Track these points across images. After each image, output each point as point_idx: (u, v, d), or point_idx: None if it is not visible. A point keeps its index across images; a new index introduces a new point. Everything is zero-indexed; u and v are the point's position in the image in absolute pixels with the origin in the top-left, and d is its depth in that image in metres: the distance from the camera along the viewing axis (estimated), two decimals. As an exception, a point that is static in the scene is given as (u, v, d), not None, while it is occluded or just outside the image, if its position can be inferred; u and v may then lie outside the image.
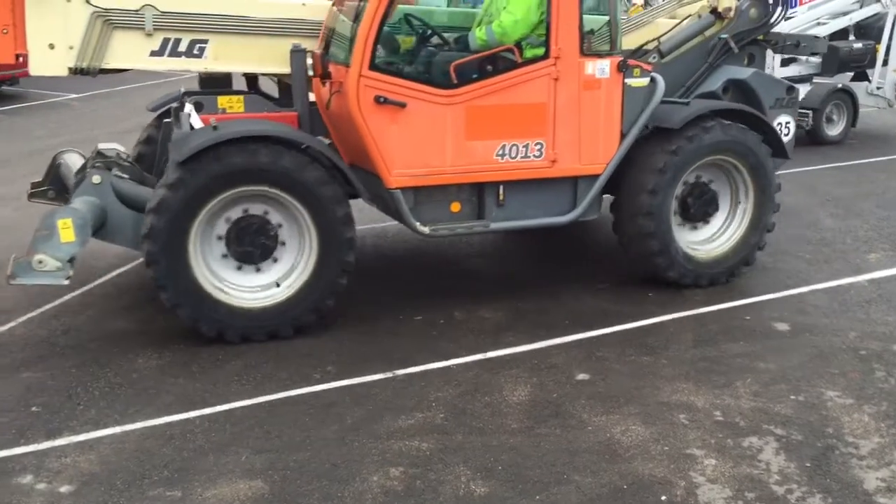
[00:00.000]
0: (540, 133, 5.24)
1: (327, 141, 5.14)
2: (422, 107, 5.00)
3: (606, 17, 5.68)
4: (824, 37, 7.87)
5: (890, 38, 10.49)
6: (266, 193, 4.83)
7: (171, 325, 5.10)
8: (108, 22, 5.11)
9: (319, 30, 5.49)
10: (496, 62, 5.24)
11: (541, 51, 5.18)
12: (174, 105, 5.63)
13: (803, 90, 10.58)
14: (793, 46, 6.63)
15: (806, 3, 10.95)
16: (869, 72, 10.86)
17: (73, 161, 5.66)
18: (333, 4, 5.51)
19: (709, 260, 5.80)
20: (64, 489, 3.52)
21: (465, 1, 6.62)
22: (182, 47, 5.29)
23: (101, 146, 5.53)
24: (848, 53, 10.47)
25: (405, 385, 4.48)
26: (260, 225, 4.90)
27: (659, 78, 5.54)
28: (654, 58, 6.12)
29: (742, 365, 4.67)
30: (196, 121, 4.95)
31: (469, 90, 5.08)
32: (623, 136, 5.46)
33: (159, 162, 5.72)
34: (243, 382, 4.49)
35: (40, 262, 4.52)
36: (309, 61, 5.10)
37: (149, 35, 5.19)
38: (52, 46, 5.05)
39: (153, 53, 5.25)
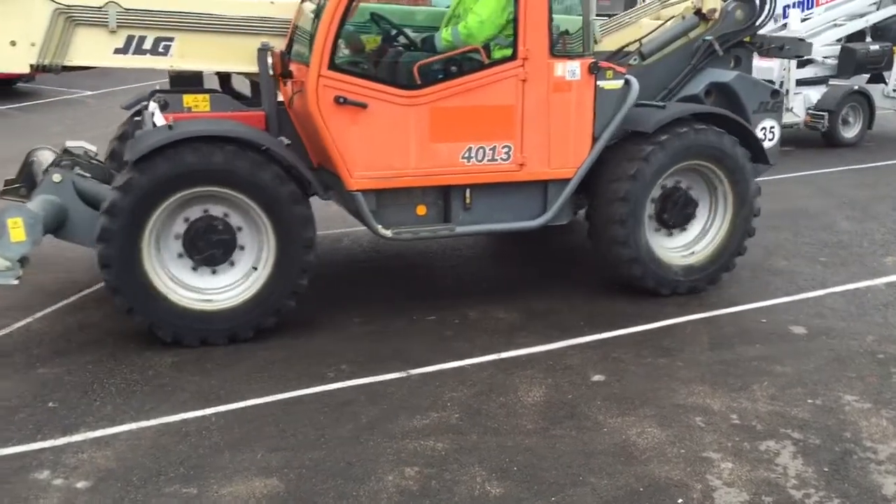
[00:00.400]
0: (507, 136, 5.12)
1: (287, 141, 5.01)
2: (383, 108, 4.89)
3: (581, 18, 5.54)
4: (809, 41, 7.70)
5: (906, 40, 10.45)
6: (223, 195, 4.72)
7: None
8: (71, 19, 5.05)
9: (288, 28, 5.42)
10: (461, 63, 5.13)
11: (509, 51, 5.05)
12: (144, 103, 5.58)
13: (819, 92, 10.54)
14: (777, 49, 6.47)
15: (823, 4, 10.89)
16: (885, 74, 10.81)
17: (46, 158, 5.58)
18: (302, 2, 5.41)
19: (687, 267, 5.66)
20: (80, 485, 3.53)
21: None
22: (147, 45, 5.22)
23: (69, 144, 5.48)
24: (864, 55, 10.41)
25: (420, 384, 4.48)
26: (218, 227, 4.79)
27: (633, 80, 5.40)
28: (636, 59, 5.98)
29: (758, 368, 4.65)
30: (159, 119, 4.88)
31: (433, 91, 4.97)
32: (595, 139, 5.32)
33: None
34: (258, 380, 4.50)
35: None
36: (270, 60, 4.99)
37: (112, 32, 5.13)
38: (13, 43, 4.99)
39: (117, 51, 5.19)
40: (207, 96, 5.27)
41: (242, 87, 6.04)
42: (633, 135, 5.47)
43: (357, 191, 4.97)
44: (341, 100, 4.78)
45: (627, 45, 6.13)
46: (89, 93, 13.98)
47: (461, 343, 4.98)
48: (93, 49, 5.15)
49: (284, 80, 5.14)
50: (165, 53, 5.26)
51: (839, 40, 10.86)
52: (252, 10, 5.39)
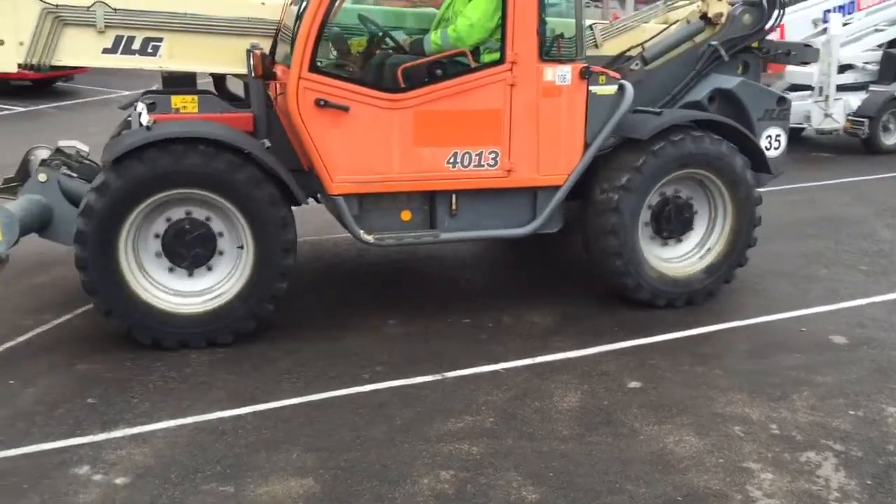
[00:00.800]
0: (494, 141, 5.02)
1: (267, 144, 4.92)
2: (366, 111, 4.81)
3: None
4: (816, 47, 7.52)
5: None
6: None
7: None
8: (59, 18, 5.05)
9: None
10: (447, 66, 5.04)
11: (497, 55, 4.97)
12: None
13: (859, 98, 10.38)
14: (783, 55, 6.31)
15: (864, 9, 10.73)
16: (928, 80, 10.60)
17: (41, 157, 5.55)
18: (291, 3, 5.35)
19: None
20: (119, 481, 3.57)
21: None
22: (136, 45, 5.20)
23: (62, 143, 5.48)
24: None
25: (454, 388, 4.47)
26: (197, 230, 4.75)
27: (628, 86, 5.29)
28: (637, 64, 5.86)
29: (798, 378, 4.57)
30: (145, 120, 4.83)
31: (417, 95, 4.88)
32: (587, 145, 5.21)
33: None
34: (293, 380, 4.51)
35: None
36: (251, 61, 4.95)
37: (101, 32, 5.12)
38: (1, 42, 5.00)
39: (106, 51, 5.18)
40: (196, 97, 5.21)
41: (238, 88, 6.02)
42: (628, 142, 5.36)
43: (338, 195, 4.90)
44: (322, 102, 4.71)
45: (629, 50, 6.01)
46: (126, 92, 14.12)
47: (495, 346, 4.96)
48: (81, 49, 5.14)
49: (265, 83, 5.09)
50: (154, 54, 5.24)
51: (880, 45, 10.69)
52: (242, 10, 5.35)
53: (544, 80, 5.01)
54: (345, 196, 4.92)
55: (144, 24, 5.17)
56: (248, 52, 5.00)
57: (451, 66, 5.04)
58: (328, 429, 4.03)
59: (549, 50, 5.10)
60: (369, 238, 5.02)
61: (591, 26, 6.14)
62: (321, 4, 4.67)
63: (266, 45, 5.20)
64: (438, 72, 4.99)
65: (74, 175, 5.07)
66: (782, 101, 6.00)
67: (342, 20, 5.56)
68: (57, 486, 3.51)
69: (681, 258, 5.63)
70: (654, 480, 3.61)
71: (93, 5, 5.07)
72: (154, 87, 5.73)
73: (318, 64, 4.76)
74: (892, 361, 4.77)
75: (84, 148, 5.55)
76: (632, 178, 5.24)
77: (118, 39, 5.17)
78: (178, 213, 4.74)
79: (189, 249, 4.76)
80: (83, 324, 5.17)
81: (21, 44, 5.00)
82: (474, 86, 4.94)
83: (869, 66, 10.50)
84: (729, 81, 5.86)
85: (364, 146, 4.86)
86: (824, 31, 10.11)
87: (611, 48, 6.12)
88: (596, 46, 6.16)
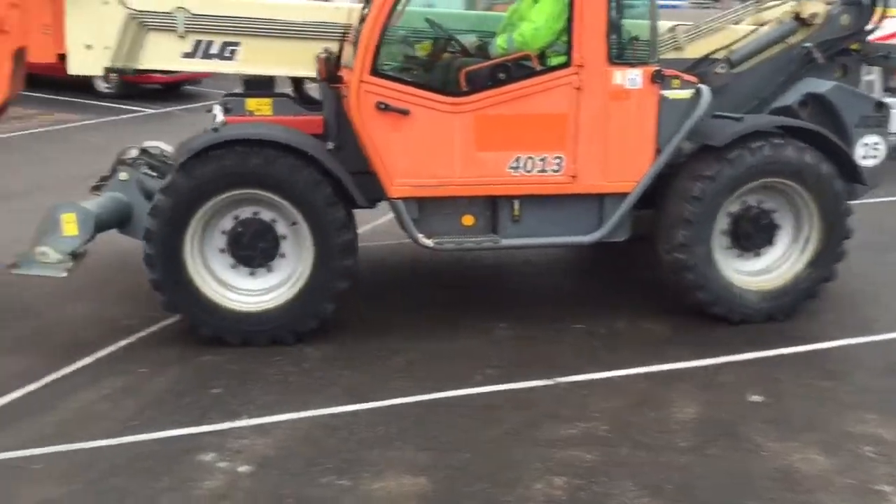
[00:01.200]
0: (559, 146, 4.89)
1: (330, 146, 4.97)
2: (427, 115, 4.78)
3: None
4: None
5: None
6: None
7: (340, 317, 5.26)
8: (143, 24, 5.19)
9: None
10: (511, 70, 4.95)
11: (565, 58, 4.85)
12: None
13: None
14: (882, 58, 5.84)
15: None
16: None
17: (130, 156, 5.75)
18: (363, 8, 5.29)
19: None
20: (243, 469, 3.70)
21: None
22: (214, 49, 5.31)
23: (147, 143, 5.66)
24: None
25: (567, 393, 4.42)
26: (261, 230, 4.84)
27: (705, 90, 5.05)
28: (723, 67, 5.54)
29: (936, 398, 4.32)
30: (217, 123, 4.98)
31: (479, 98, 4.81)
32: (658, 152, 5.00)
33: None
34: (406, 379, 4.57)
35: (43, 253, 4.74)
36: (317, 65, 4.99)
37: (181, 37, 5.24)
38: (89, 47, 5.13)
39: (185, 55, 5.30)
40: (270, 101, 5.30)
41: (318, 91, 6.09)
42: (705, 149, 5.12)
43: (397, 198, 4.89)
44: (382, 106, 4.71)
45: (715, 52, 5.72)
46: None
47: (609, 353, 4.89)
48: (163, 53, 5.28)
49: (329, 85, 5.11)
50: (231, 58, 5.34)
51: None
52: (317, 15, 5.39)
53: (613, 84, 4.86)
54: (404, 199, 4.90)
55: (222, 29, 5.30)
56: (318, 55, 5.08)
57: (515, 69, 4.98)
58: (440, 429, 4.06)
59: (623, 53, 4.98)
60: (428, 242, 4.97)
61: (673, 28, 5.93)
62: (383, 8, 4.68)
63: (350, 49, 5.24)
64: (501, 75, 4.93)
65: (154, 174, 5.26)
66: (880, 106, 5.57)
67: (411, 24, 5.56)
68: (185, 471, 3.67)
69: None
70: (778, 498, 3.47)
71: (174, 11, 5.22)
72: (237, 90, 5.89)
73: (380, 67, 4.76)
74: None
75: (168, 148, 5.76)
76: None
77: (197, 44, 5.31)
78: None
79: (251, 248, 4.86)
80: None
81: (107, 48, 5.18)
82: (539, 89, 4.85)
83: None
84: (822, 85, 5.51)
85: (424, 150, 4.84)
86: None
87: (695, 50, 5.83)
88: (679, 49, 5.90)
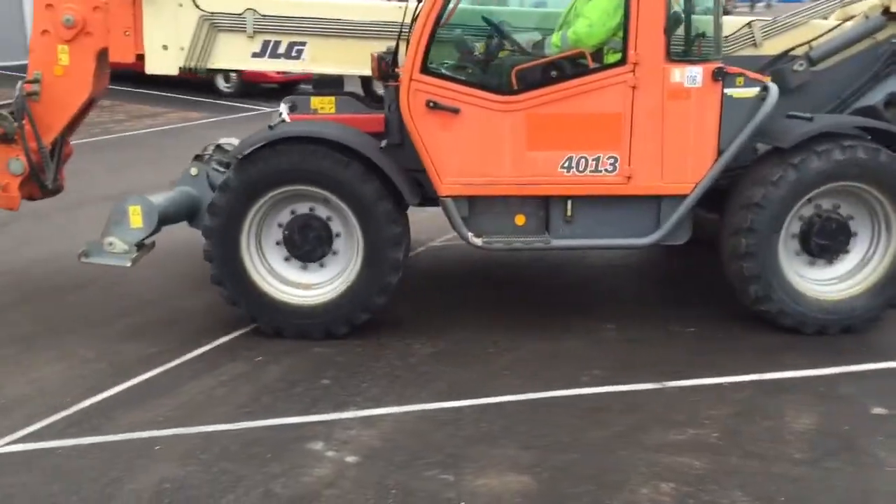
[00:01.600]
0: (613, 146, 4.76)
1: (382, 143, 4.96)
2: (477, 113, 4.74)
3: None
4: None
5: None
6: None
7: (446, 314, 5.35)
8: (214, 25, 5.33)
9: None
10: (564, 68, 4.83)
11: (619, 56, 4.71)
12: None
13: None
14: None
15: None
16: None
17: (208, 152, 5.89)
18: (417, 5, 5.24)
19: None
20: (350, 459, 3.79)
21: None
22: (281, 49, 5.40)
23: (222, 140, 5.79)
24: None
25: (676, 398, 4.33)
26: (315, 225, 4.93)
27: (773, 88, 4.78)
28: (801, 64, 5.23)
29: None
30: (285, 120, 5.06)
31: (530, 97, 4.73)
32: (720, 153, 4.81)
33: None
34: (512, 377, 4.57)
35: (110, 244, 4.96)
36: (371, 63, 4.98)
37: (250, 38, 5.36)
38: (165, 47, 5.32)
39: (255, 55, 5.42)
40: (333, 99, 5.36)
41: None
42: (774, 151, 4.86)
43: (447, 196, 4.87)
44: (432, 104, 4.71)
45: (794, 49, 5.40)
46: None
47: (721, 358, 4.75)
48: (233, 53, 5.41)
49: (383, 84, 5.11)
50: (298, 57, 5.43)
51: None
52: (381, 14, 5.42)
53: (671, 82, 4.70)
54: (454, 198, 4.89)
55: (289, 29, 5.41)
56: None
57: (568, 67, 4.87)
58: (545, 428, 4.04)
59: (683, 49, 4.81)
60: (477, 241, 4.95)
61: (749, 24, 5.68)
62: (434, 6, 4.67)
63: (404, 47, 5.24)
64: (553, 73, 4.83)
65: (223, 169, 5.41)
66: None
67: (469, 22, 5.51)
68: (295, 458, 3.79)
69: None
70: (901, 517, 3.30)
71: (243, 12, 5.37)
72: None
73: (431, 65, 4.75)
74: None
75: None
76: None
77: (266, 44, 5.43)
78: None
79: (305, 242, 4.95)
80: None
81: (182, 49, 5.37)
82: (592, 88, 4.74)
83: None
84: None
85: (475, 148, 4.82)
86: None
87: (773, 47, 5.56)
88: (755, 45, 5.65)
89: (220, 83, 14.73)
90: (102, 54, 5.34)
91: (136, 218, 5.00)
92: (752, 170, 4.96)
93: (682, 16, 4.88)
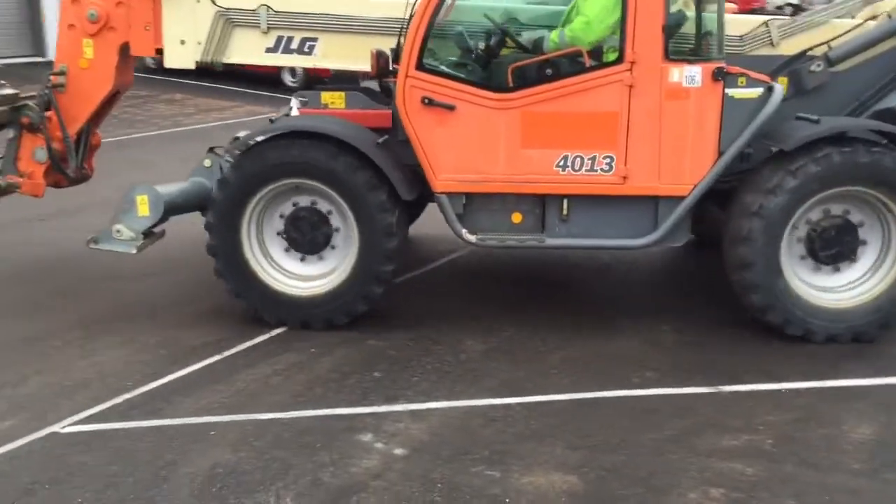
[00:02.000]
0: (609, 145, 4.70)
1: (380, 139, 4.96)
2: (472, 110, 4.73)
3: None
4: None
5: None
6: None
7: (498, 312, 5.34)
8: (229, 20, 5.47)
9: None
10: (560, 66, 4.77)
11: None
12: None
13: None
14: None
15: None
16: None
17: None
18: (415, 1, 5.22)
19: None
20: (398, 451, 3.83)
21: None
22: (294, 45, 5.51)
23: (241, 133, 5.80)
24: None
25: (730, 403, 4.25)
26: (315, 218, 4.99)
27: (777, 88, 4.64)
28: (819, 65, 5.05)
29: None
30: (294, 114, 5.12)
31: (526, 95, 4.70)
32: (721, 154, 4.71)
33: None
34: (562, 376, 4.55)
35: (118, 231, 5.12)
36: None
37: (264, 33, 5.48)
38: (182, 42, 5.46)
39: (268, 50, 5.53)
40: (343, 94, 5.37)
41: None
42: (778, 153, 4.70)
43: (441, 192, 4.88)
44: (427, 101, 4.71)
45: (812, 49, 5.21)
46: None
47: (779, 364, 4.64)
48: (247, 48, 5.54)
49: (381, 80, 5.15)
50: (310, 53, 5.54)
51: None
52: (391, 11, 5.43)
53: (669, 82, 4.62)
54: (448, 194, 4.90)
55: (302, 25, 5.52)
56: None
57: (564, 65, 4.81)
58: (594, 428, 4.02)
59: (683, 48, 4.71)
60: (471, 238, 4.96)
61: (766, 22, 5.52)
62: (430, 3, 4.68)
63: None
64: (548, 71, 4.77)
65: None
66: None
67: (470, 19, 5.46)
68: (344, 448, 3.84)
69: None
70: (963, 534, 3.18)
71: (258, 8, 5.48)
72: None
73: (427, 62, 4.76)
74: None
75: None
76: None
77: (279, 39, 5.56)
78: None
79: (303, 234, 5.03)
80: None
81: (199, 43, 5.52)
82: (588, 87, 4.69)
83: None
84: None
85: (469, 145, 4.82)
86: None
87: (790, 46, 5.40)
88: (772, 45, 5.49)
89: (287, 77, 14.96)
90: (125, 48, 5.52)
91: (143, 207, 5.16)
92: (752, 175, 4.85)
93: (686, 16, 4.82)
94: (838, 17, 5.62)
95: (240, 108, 13.63)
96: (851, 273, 4.94)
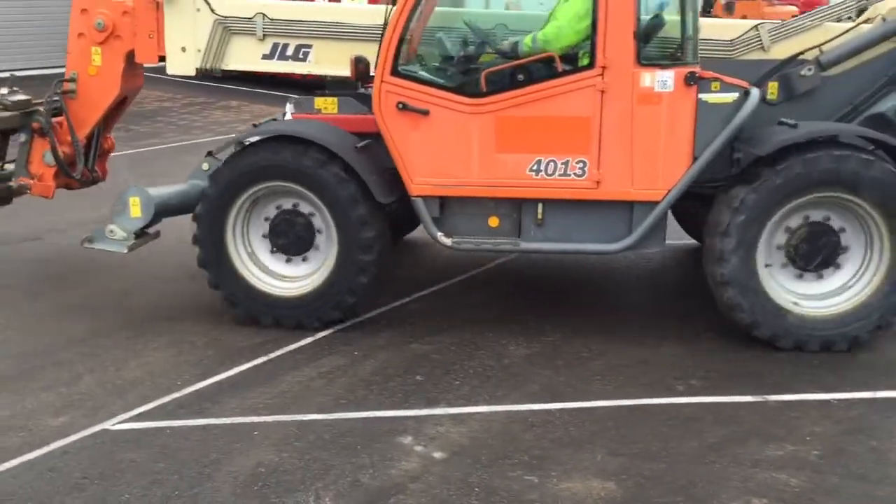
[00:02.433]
0: (582, 150, 4.71)
1: (360, 144, 5.00)
2: (446, 115, 4.78)
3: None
4: None
5: None
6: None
7: (541, 317, 5.33)
8: (227, 28, 5.61)
9: None
10: (533, 71, 4.75)
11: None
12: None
13: None
14: None
15: None
16: None
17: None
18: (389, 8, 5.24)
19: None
20: (437, 455, 3.85)
21: None
22: (289, 52, 5.65)
23: (240, 137, 5.92)
24: None
25: (776, 412, 4.17)
26: (298, 220, 5.07)
27: (754, 93, 4.55)
28: (810, 69, 4.92)
29: None
30: (288, 118, 5.19)
31: (498, 99, 4.73)
32: (696, 159, 4.67)
33: None
34: (605, 382, 4.52)
35: (111, 231, 5.30)
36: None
37: (260, 40, 5.63)
38: (183, 49, 5.62)
39: (264, 57, 5.68)
40: (335, 99, 5.45)
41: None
42: (757, 160, 4.62)
43: (417, 196, 4.92)
44: (401, 106, 4.76)
45: (803, 53, 5.07)
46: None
47: (828, 374, 4.55)
48: (245, 55, 5.68)
49: (359, 85, 5.22)
50: (304, 59, 5.68)
51: None
52: (381, 18, 5.38)
53: (641, 87, 4.61)
54: (424, 198, 4.95)
55: (296, 33, 5.66)
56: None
57: (537, 70, 4.78)
58: (635, 435, 3.98)
59: (654, 53, 4.69)
60: (447, 241, 5.00)
61: (756, 26, 5.41)
62: (404, 9, 4.73)
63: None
64: (521, 76, 4.76)
65: None
66: None
67: (450, 25, 5.50)
68: (384, 450, 3.88)
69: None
70: None
71: (254, 16, 5.62)
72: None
73: (401, 67, 4.81)
74: None
75: None
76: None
77: (275, 46, 5.70)
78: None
79: (287, 236, 5.12)
80: (418, 308, 5.63)
81: (199, 51, 5.68)
82: (560, 91, 4.71)
83: None
84: None
85: (444, 150, 4.86)
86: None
87: (782, 51, 5.27)
88: (763, 49, 5.37)
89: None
90: (131, 55, 5.71)
91: (135, 208, 5.31)
92: (739, 176, 4.78)
93: (662, 21, 4.81)
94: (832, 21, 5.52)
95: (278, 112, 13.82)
96: (832, 282, 4.86)
